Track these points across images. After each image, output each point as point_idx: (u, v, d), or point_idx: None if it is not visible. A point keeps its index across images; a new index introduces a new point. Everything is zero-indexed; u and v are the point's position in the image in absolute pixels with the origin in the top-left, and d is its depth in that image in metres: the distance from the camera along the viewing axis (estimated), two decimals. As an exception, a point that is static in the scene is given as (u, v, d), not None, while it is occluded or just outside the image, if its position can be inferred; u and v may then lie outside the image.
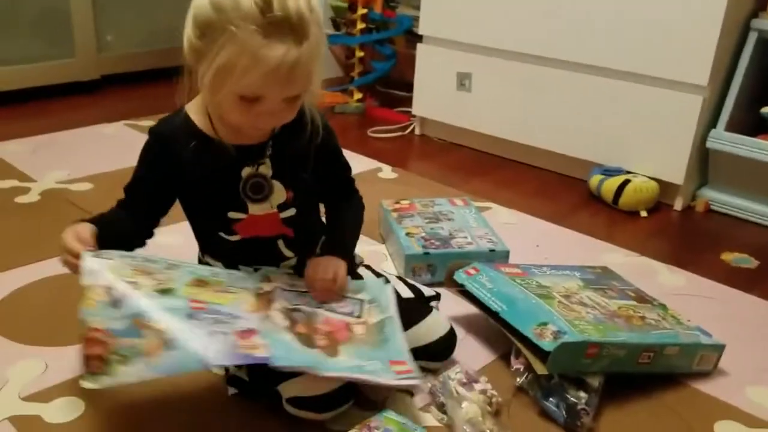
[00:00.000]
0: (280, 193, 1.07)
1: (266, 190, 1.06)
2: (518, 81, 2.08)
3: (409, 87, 2.42)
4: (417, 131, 2.43)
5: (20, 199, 1.71)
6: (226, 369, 1.07)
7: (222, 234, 1.07)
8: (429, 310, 1.15)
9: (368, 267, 1.22)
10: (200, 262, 1.15)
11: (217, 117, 1.02)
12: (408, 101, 2.45)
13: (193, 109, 1.05)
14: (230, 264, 1.10)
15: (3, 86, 2.44)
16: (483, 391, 1.03)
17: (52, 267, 1.39)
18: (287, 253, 1.11)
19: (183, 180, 1.05)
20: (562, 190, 2.01)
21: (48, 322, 1.23)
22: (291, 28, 0.88)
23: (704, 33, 1.71)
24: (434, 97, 2.31)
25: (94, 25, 2.63)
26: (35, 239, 1.52)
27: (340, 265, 1.09)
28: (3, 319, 1.23)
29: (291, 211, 1.09)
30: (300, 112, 1.02)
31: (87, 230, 1.01)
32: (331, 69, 2.80)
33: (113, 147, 2.10)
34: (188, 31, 0.93)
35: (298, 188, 1.09)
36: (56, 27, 2.55)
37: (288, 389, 0.98)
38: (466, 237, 1.48)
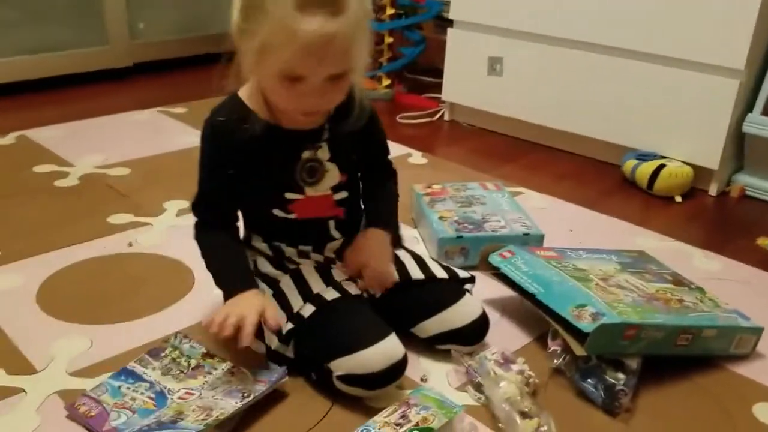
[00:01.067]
0: (334, 175, 1.09)
1: (319, 174, 1.08)
2: (550, 65, 2.07)
3: (437, 73, 2.42)
4: (446, 117, 2.43)
5: (60, 183, 1.74)
6: (268, 345, 1.09)
7: (277, 212, 1.08)
8: (463, 292, 1.15)
9: (407, 249, 1.23)
10: (246, 242, 1.16)
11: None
12: (436, 87, 2.45)
13: (246, 94, 1.05)
14: (279, 240, 1.11)
15: (37, 74, 2.48)
16: (520, 372, 1.04)
17: (92, 249, 1.43)
18: (335, 234, 1.13)
19: (243, 164, 1.05)
20: (595, 175, 1.99)
21: (90, 301, 1.26)
22: (326, 1, 0.88)
23: (742, 16, 1.68)
24: (464, 82, 2.30)
25: (126, 13, 2.66)
26: (76, 221, 1.55)
27: (387, 248, 1.11)
28: (46, 298, 1.26)
29: (344, 193, 1.11)
30: (350, 95, 1.03)
31: (273, 309, 1.02)
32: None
33: (147, 132, 2.13)
34: (234, 14, 0.94)
35: (351, 170, 1.11)
36: (89, 15, 2.58)
37: (339, 366, 1.00)
38: (499, 221, 1.48)
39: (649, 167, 1.84)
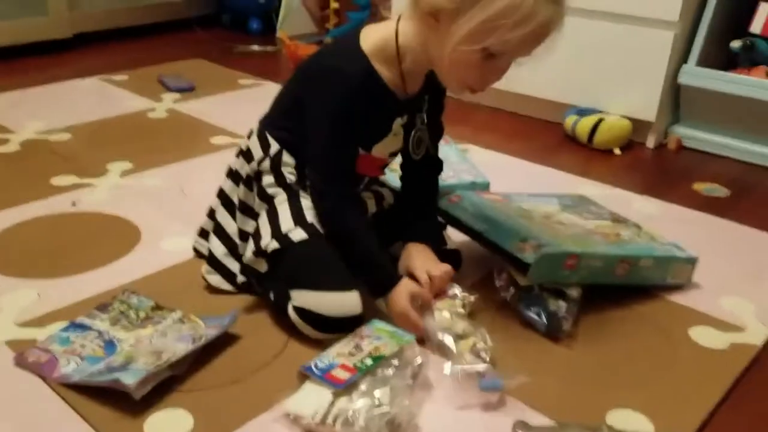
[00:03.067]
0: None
1: (423, 144, 1.13)
2: (493, 26, 2.10)
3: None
4: (394, 81, 2.44)
5: (1, 149, 1.71)
6: (227, 273, 1.11)
7: None
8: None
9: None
10: (276, 156, 1.11)
11: (414, 66, 1.02)
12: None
13: (370, 48, 1.01)
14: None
15: (-27, 45, 2.40)
16: (453, 296, 1.06)
17: (36, 209, 1.41)
18: (361, 187, 1.15)
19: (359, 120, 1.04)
20: (538, 132, 2.04)
21: (36, 257, 1.25)
22: None
23: (674, -31, 1.74)
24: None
25: (65, -18, 2.59)
26: (18, 185, 1.53)
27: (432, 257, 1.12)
28: (-7, 256, 1.24)
29: (392, 159, 1.15)
30: None
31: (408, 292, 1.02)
32: (305, 24, 2.79)
33: (89, 99, 2.09)
34: None
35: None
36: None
37: (299, 297, 1.01)
38: (448, 171, 1.50)
39: (588, 122, 1.89)
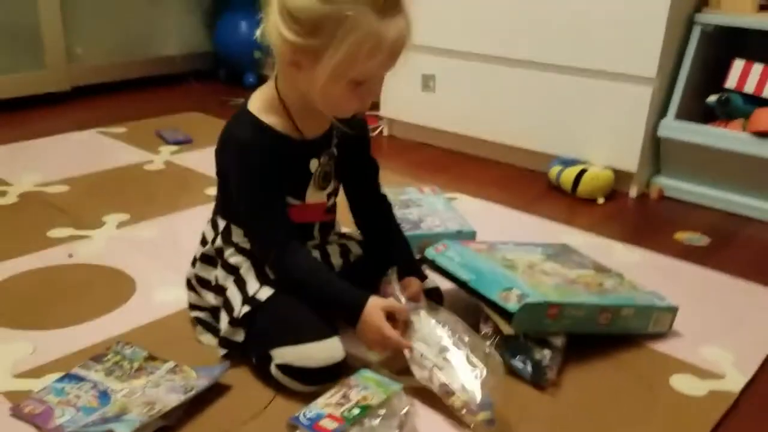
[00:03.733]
0: (333, 182, 1.16)
1: (330, 178, 1.15)
2: (478, 80, 2.17)
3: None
4: (385, 132, 2.51)
5: (-1, 201, 1.75)
6: (218, 331, 1.13)
7: None
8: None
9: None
10: (224, 233, 1.16)
11: (303, 107, 1.06)
12: (375, 105, 2.53)
13: (256, 107, 1.08)
14: None
15: (-28, 98, 2.46)
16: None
17: (32, 261, 1.44)
18: (316, 235, 1.18)
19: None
20: (524, 182, 2.10)
21: (32, 308, 1.27)
22: (396, 2, 0.95)
23: (651, 28, 1.82)
24: (401, 98, 2.39)
25: (63, 38, 2.66)
26: (16, 236, 1.56)
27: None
28: (-12, 308, 1.26)
29: (332, 200, 1.18)
30: None
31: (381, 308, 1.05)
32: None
33: (86, 152, 2.14)
34: (287, 35, 0.95)
35: (342, 178, 1.18)
36: (26, 39, 2.59)
37: (279, 354, 1.03)
38: (434, 220, 1.55)
39: (572, 172, 1.95)
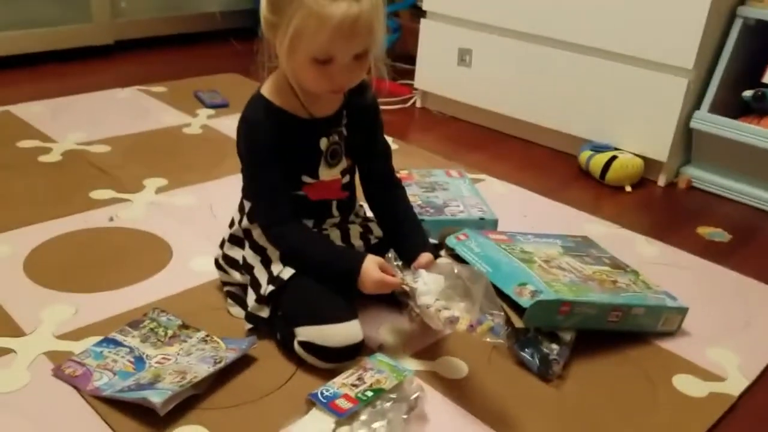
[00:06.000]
0: (344, 160, 1.21)
1: (339, 156, 1.19)
2: (516, 58, 2.17)
3: (412, 60, 2.50)
4: (418, 104, 2.53)
5: (43, 158, 1.82)
6: (246, 305, 1.20)
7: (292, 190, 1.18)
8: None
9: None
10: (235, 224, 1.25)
11: (300, 88, 1.12)
12: (410, 74, 2.54)
13: (268, 89, 1.15)
14: None
15: (20, 49, 2.53)
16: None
17: (75, 223, 1.51)
18: (335, 213, 1.24)
19: (278, 154, 1.14)
20: (553, 164, 2.11)
21: (74, 271, 1.35)
22: None
23: (692, 18, 1.80)
24: (436, 71, 2.40)
25: (109, -9, 2.72)
26: (59, 196, 1.63)
27: None
28: (33, 267, 1.35)
29: (348, 177, 1.23)
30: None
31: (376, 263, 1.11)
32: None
33: (127, 111, 2.20)
34: (263, 8, 1.05)
35: (354, 156, 1.23)
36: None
37: (302, 333, 1.11)
38: (458, 206, 1.59)
39: (602, 158, 1.96)
